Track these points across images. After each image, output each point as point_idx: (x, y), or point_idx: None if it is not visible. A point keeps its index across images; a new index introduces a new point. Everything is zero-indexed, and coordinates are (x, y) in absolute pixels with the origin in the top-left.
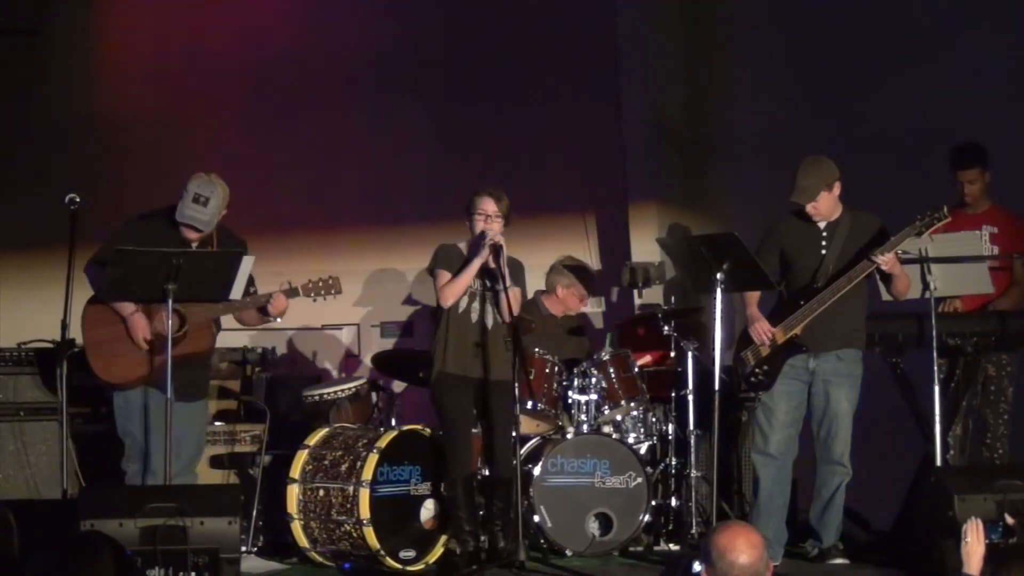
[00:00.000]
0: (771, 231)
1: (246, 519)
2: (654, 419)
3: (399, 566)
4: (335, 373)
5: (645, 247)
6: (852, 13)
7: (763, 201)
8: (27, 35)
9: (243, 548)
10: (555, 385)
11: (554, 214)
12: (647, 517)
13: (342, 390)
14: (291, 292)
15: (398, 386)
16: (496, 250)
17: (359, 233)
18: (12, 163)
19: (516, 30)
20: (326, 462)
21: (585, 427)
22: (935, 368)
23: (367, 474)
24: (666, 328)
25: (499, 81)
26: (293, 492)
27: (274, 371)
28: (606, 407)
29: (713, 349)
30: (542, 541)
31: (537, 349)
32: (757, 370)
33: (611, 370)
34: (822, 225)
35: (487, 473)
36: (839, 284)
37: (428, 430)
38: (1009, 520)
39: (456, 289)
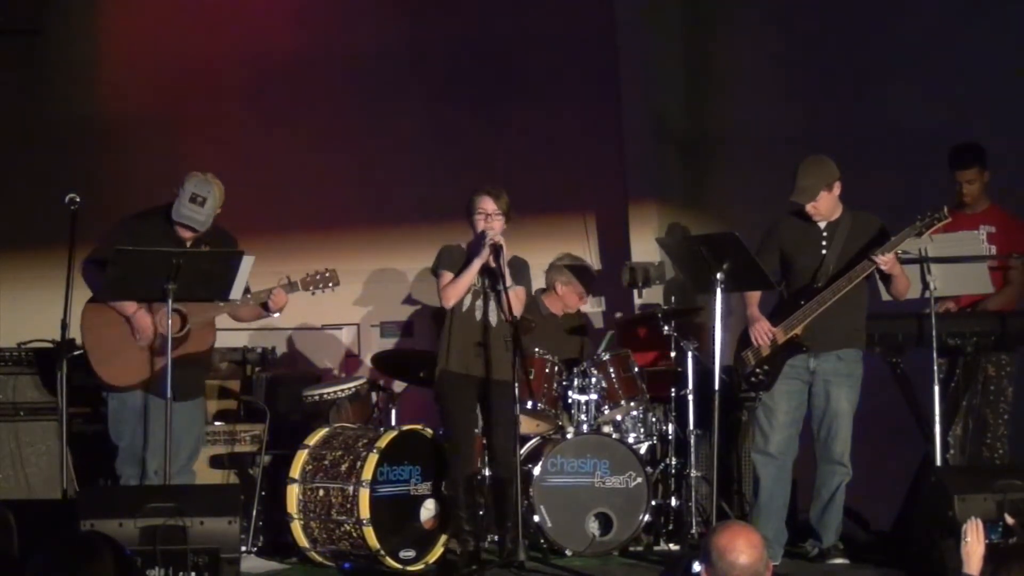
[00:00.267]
0: (771, 231)
1: (246, 519)
2: (654, 419)
3: (399, 566)
4: (335, 373)
5: (645, 247)
6: (852, 13)
7: (763, 201)
8: (27, 35)
9: (243, 548)
10: (555, 385)
11: (554, 214)
12: (647, 517)
13: (342, 390)
14: (290, 287)
15: (398, 386)
16: (496, 250)
17: (359, 233)
18: (12, 163)
19: (516, 30)
20: (326, 462)
21: (585, 427)
22: (935, 368)
23: (367, 474)
24: (666, 328)
25: (499, 81)
26: (293, 492)
27: (274, 371)
28: (606, 407)
29: (713, 349)
30: (542, 541)
31: (537, 349)
32: (757, 370)
33: (611, 370)
34: (822, 225)
35: (487, 473)
36: (839, 284)
37: (428, 430)
38: (1009, 520)
39: (457, 290)
